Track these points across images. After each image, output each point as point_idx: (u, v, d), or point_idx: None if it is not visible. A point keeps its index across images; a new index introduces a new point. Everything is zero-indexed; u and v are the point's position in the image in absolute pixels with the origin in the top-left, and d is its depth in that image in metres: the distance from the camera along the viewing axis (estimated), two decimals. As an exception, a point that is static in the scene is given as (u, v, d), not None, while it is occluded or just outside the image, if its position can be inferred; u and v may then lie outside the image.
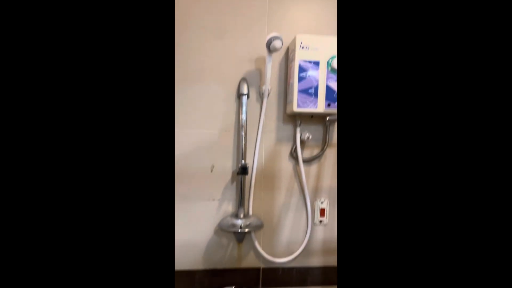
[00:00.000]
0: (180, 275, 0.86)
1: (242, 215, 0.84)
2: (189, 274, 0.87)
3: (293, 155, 0.89)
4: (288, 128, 0.89)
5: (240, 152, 0.84)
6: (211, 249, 0.88)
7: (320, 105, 0.78)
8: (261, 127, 0.86)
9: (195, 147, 0.85)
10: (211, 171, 0.86)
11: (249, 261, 0.90)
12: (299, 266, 0.92)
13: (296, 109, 0.77)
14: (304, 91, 0.77)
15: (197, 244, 0.87)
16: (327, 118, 0.84)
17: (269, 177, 0.89)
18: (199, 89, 0.84)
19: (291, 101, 0.79)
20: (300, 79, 0.77)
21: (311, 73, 0.77)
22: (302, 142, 0.88)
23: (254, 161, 0.86)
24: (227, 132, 0.87)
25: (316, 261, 0.93)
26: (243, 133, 0.83)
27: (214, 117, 0.86)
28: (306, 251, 0.91)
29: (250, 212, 0.87)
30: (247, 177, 0.86)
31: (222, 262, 0.89)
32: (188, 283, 0.87)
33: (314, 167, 0.91)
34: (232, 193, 0.88)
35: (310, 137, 0.85)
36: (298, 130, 0.86)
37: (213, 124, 0.86)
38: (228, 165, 0.87)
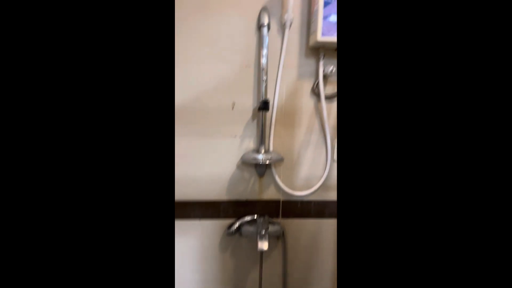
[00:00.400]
0: (207, 205, 0.94)
1: (263, 151, 0.88)
2: (215, 204, 0.95)
3: (315, 92, 0.87)
4: (311, 62, 0.85)
5: (261, 88, 0.83)
6: (235, 182, 0.94)
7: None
8: (282, 61, 0.83)
9: (216, 84, 0.86)
10: (232, 108, 0.88)
11: (270, 194, 0.96)
12: (317, 200, 0.97)
13: (320, 38, 0.73)
14: (329, 18, 0.72)
15: (221, 178, 0.93)
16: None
17: (289, 114, 0.89)
18: (218, 19, 0.81)
19: (315, 31, 0.75)
20: (326, 4, 0.71)
21: (338, -4, 0.71)
22: (325, 77, 0.85)
23: (275, 98, 0.86)
24: (248, 68, 0.85)
25: (333, 196, 0.97)
26: (264, 68, 0.81)
27: (234, 52, 0.84)
28: (324, 186, 0.95)
29: (271, 148, 0.90)
30: (268, 114, 0.87)
31: (244, 194, 0.95)
32: (214, 211, 0.95)
33: (335, 105, 0.89)
34: (253, 130, 0.90)
35: (334, 69, 0.82)
36: (321, 63, 0.82)
37: (233, 59, 0.84)
38: (248, 102, 0.88)
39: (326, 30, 0.72)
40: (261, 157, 0.86)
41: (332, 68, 0.81)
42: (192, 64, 0.84)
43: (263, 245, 0.85)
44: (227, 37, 0.82)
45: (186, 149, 0.90)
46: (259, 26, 0.80)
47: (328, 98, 0.87)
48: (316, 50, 0.83)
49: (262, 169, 0.92)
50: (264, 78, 0.82)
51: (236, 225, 0.92)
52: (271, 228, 0.91)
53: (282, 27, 0.81)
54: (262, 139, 0.87)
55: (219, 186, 0.94)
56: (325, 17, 0.72)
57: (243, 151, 0.91)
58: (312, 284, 1.04)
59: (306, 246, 1.00)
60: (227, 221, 0.95)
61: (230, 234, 0.93)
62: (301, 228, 0.98)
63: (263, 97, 0.83)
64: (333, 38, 0.73)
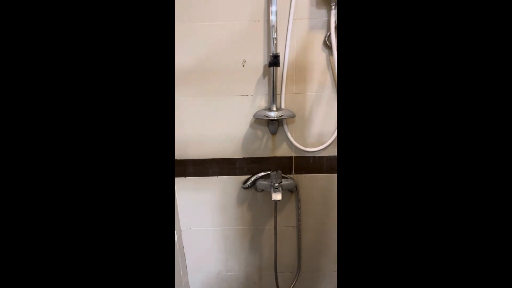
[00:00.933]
0: (223, 162, 1.00)
1: (275, 108, 0.89)
2: (230, 161, 1.00)
3: (327, 44, 0.85)
4: (322, 13, 0.82)
5: (271, 44, 0.82)
6: (248, 140, 0.97)
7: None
8: (292, 13, 0.81)
9: (226, 40, 0.85)
10: (243, 66, 0.88)
11: (283, 151, 0.99)
12: (329, 155, 0.99)
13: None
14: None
15: (236, 136, 0.97)
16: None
17: (301, 69, 0.89)
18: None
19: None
20: None
21: None
22: (337, 28, 0.82)
23: (285, 53, 0.85)
24: (257, 22, 0.83)
25: (345, 151, 0.99)
26: (273, 25, 0.80)
27: (242, 5, 0.82)
28: (336, 143, 0.97)
29: (283, 106, 0.91)
30: (279, 70, 0.87)
31: (258, 152, 0.99)
32: (230, 168, 1.01)
33: (348, 57, 0.87)
34: (265, 88, 0.91)
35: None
36: (333, 13, 0.79)
37: (241, 13, 0.83)
38: (259, 59, 0.87)
39: (338, -26, 0.68)
40: (273, 114, 0.88)
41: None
42: (200, 22, 0.84)
43: (277, 196, 0.91)
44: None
45: (200, 109, 0.93)
46: (268, -25, 0.77)
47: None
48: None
49: (274, 127, 0.94)
50: (275, 33, 0.81)
51: (252, 179, 0.98)
52: (285, 182, 0.96)
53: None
54: (273, 96, 0.88)
55: (233, 144, 0.98)
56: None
57: (256, 109, 0.93)
58: (325, 234, 1.10)
59: (319, 199, 1.05)
60: (243, 177, 1.01)
61: (246, 188, 0.99)
62: (314, 183, 1.03)
63: (273, 52, 0.82)
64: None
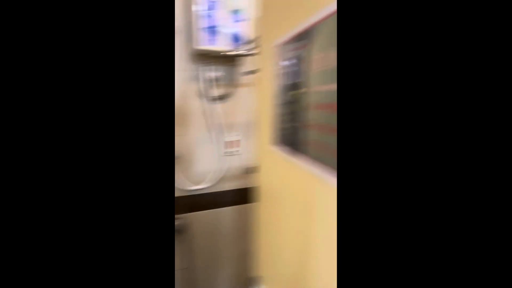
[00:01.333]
0: None
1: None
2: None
3: (202, 94, 0.97)
4: (196, 67, 0.94)
5: None
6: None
7: (221, 43, 0.85)
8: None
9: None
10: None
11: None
12: (214, 191, 1.07)
13: (201, 46, 0.83)
14: (208, 28, 0.82)
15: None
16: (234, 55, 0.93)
17: (181, 115, 0.96)
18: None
19: (197, 39, 0.84)
20: (208, 15, 0.81)
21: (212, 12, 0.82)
22: (210, 80, 0.95)
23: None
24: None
25: (228, 186, 1.10)
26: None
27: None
28: (218, 178, 1.07)
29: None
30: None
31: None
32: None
33: (227, 105, 1.01)
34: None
35: (217, 74, 0.94)
36: (204, 69, 0.93)
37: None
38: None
39: (207, 39, 0.83)
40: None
41: (216, 73, 0.93)
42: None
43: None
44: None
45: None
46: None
47: (216, 99, 0.99)
48: (200, 56, 0.93)
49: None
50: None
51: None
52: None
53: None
54: None
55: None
56: (204, 28, 0.82)
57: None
58: (220, 268, 1.14)
59: (209, 234, 1.09)
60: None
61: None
62: (204, 219, 1.07)
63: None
64: (213, 47, 0.84)
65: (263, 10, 0.60)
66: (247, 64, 0.99)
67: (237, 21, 0.85)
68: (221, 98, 0.99)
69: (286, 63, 0.47)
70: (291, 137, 0.46)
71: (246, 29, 0.87)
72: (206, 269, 1.13)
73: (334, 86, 0.34)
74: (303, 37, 0.40)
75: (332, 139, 0.35)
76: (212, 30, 0.83)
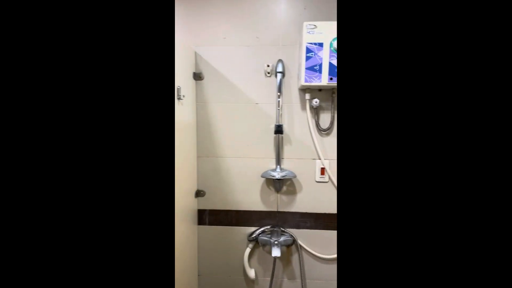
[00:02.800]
0: (245, 213, 1.19)
1: (278, 169, 1.11)
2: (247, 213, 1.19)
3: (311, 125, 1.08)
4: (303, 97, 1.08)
5: (277, 117, 1.09)
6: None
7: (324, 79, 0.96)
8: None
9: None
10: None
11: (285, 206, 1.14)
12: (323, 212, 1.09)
13: (303, 83, 0.97)
14: (310, 68, 0.96)
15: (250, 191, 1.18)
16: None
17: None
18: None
19: (300, 78, 0.99)
20: (307, 58, 0.96)
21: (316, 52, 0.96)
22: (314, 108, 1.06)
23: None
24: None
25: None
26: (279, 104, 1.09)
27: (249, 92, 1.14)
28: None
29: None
30: (281, 137, 1.11)
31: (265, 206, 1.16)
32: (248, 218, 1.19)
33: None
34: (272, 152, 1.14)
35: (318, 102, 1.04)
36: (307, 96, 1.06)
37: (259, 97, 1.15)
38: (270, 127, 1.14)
39: (308, 77, 0.97)
40: (276, 174, 1.09)
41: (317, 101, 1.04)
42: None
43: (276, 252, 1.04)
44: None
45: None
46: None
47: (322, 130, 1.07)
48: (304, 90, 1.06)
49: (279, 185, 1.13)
50: (279, 110, 1.08)
51: (257, 232, 1.14)
52: (283, 238, 1.09)
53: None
54: (278, 158, 1.10)
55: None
56: (307, 68, 0.97)
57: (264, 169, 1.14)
58: None
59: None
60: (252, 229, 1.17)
61: (250, 240, 1.14)
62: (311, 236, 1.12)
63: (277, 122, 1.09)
64: (314, 83, 0.97)
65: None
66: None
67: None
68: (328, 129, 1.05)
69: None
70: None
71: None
72: None
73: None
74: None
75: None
76: (313, 68, 0.95)
